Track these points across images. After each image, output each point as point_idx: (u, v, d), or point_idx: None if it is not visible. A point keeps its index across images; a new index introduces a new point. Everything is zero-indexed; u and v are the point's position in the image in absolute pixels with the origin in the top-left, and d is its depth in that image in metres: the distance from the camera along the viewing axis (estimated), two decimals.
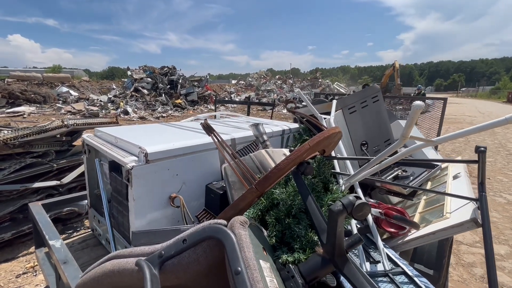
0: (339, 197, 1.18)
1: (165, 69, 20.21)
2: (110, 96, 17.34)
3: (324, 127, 1.64)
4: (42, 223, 1.42)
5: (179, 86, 18.98)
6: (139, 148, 1.30)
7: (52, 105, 15.17)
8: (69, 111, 13.83)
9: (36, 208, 1.58)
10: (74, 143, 3.62)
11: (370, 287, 0.76)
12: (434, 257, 1.87)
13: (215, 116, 2.72)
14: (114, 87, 19.70)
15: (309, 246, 0.93)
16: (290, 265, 0.88)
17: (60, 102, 15.93)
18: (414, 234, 1.34)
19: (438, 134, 3.75)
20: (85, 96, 17.69)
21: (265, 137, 1.81)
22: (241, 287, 0.65)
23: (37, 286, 2.22)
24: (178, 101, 17.50)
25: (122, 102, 16.00)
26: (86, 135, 1.72)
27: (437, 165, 2.23)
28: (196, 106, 18.11)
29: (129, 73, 19.52)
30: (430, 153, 2.86)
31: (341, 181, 1.45)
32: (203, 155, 1.58)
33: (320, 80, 31.08)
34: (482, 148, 1.14)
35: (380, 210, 1.26)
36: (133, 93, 17.48)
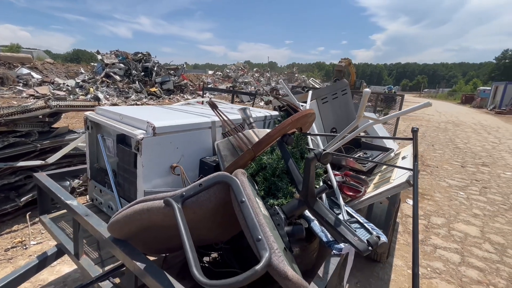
0: None
1: (139, 55, 19.43)
2: (78, 80, 16.37)
3: (296, 107, 1.97)
4: (54, 188, 1.59)
5: (154, 73, 18.41)
6: (147, 122, 1.52)
7: (11, 87, 13.99)
8: (32, 95, 12.90)
9: (43, 177, 1.73)
10: (55, 125, 3.62)
11: (331, 215, 1.10)
12: (383, 220, 2.33)
13: (202, 102, 2.94)
14: (83, 71, 18.55)
15: (289, 194, 1.25)
16: (275, 206, 1.19)
17: (21, 84, 14.72)
18: (367, 195, 1.73)
19: (396, 125, 4.31)
20: (49, 79, 16.49)
21: (251, 119, 2.10)
22: (246, 210, 0.95)
23: (30, 257, 2.33)
24: (153, 89, 17.03)
25: (92, 87, 15.22)
26: (89, 113, 1.88)
27: (390, 149, 2.69)
28: (172, 95, 17.77)
29: (99, 57, 18.48)
30: (388, 142, 3.35)
31: (306, 150, 1.80)
32: (198, 133, 1.84)
33: (296, 75, 31.81)
34: (415, 128, 1.54)
35: (342, 175, 1.62)
36: (104, 78, 16.66)
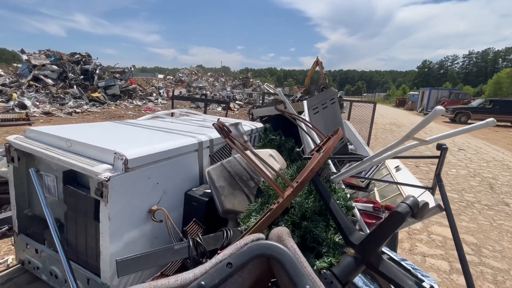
0: (342, 196, 1.22)
1: (76, 56, 17.13)
2: None
3: (308, 124, 1.67)
4: None
5: (96, 77, 16.41)
6: (115, 153, 1.04)
7: None
8: None
9: None
10: None
11: (409, 280, 0.80)
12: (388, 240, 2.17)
13: (172, 114, 2.44)
14: (2, 73, 15.54)
15: (336, 248, 0.92)
16: (325, 271, 0.85)
17: None
18: None
19: (370, 133, 4.37)
20: None
21: (245, 137, 1.72)
22: None
23: None
24: (96, 94, 15.11)
25: (16, 93, 12.76)
26: (13, 137, 1.27)
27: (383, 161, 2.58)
28: (118, 101, 16.03)
29: (24, 57, 15.75)
30: (366, 151, 3.30)
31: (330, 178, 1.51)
32: (183, 159, 1.40)
33: (251, 80, 32.03)
34: (444, 146, 1.37)
35: (373, 205, 1.36)
36: (31, 82, 14.18)
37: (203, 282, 0.65)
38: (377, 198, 2.11)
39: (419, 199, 1.53)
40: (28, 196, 1.39)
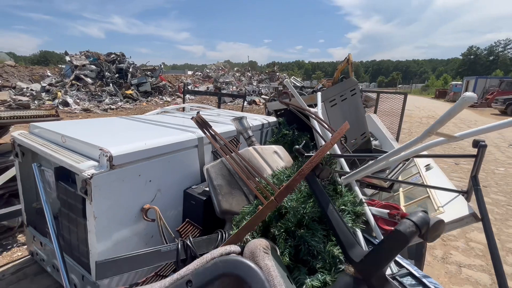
0: (350, 200, 1.06)
1: (112, 56, 18.22)
2: (44, 84, 15.00)
3: (317, 119, 1.51)
4: None
5: (129, 75, 17.33)
6: (101, 149, 0.99)
7: None
8: None
9: None
10: None
11: None
12: (414, 248, 1.93)
13: (183, 109, 2.41)
14: (49, 74, 17.09)
15: (334, 264, 0.79)
16: None
17: None
18: None
19: (399, 126, 4.01)
20: (11, 83, 14.95)
21: (250, 132, 1.61)
22: None
23: None
24: (129, 91, 15.99)
25: (60, 91, 13.95)
26: (17, 133, 1.30)
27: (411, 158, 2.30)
28: (150, 98, 16.81)
29: (67, 58, 17.11)
30: (393, 147, 3.00)
31: (338, 179, 1.35)
32: (180, 155, 1.33)
33: (277, 73, 31.57)
34: (483, 143, 1.13)
35: (389, 211, 1.18)
36: (73, 81, 15.39)
37: None
38: (402, 201, 1.88)
39: (445, 209, 1.30)
40: (36, 189, 1.43)
